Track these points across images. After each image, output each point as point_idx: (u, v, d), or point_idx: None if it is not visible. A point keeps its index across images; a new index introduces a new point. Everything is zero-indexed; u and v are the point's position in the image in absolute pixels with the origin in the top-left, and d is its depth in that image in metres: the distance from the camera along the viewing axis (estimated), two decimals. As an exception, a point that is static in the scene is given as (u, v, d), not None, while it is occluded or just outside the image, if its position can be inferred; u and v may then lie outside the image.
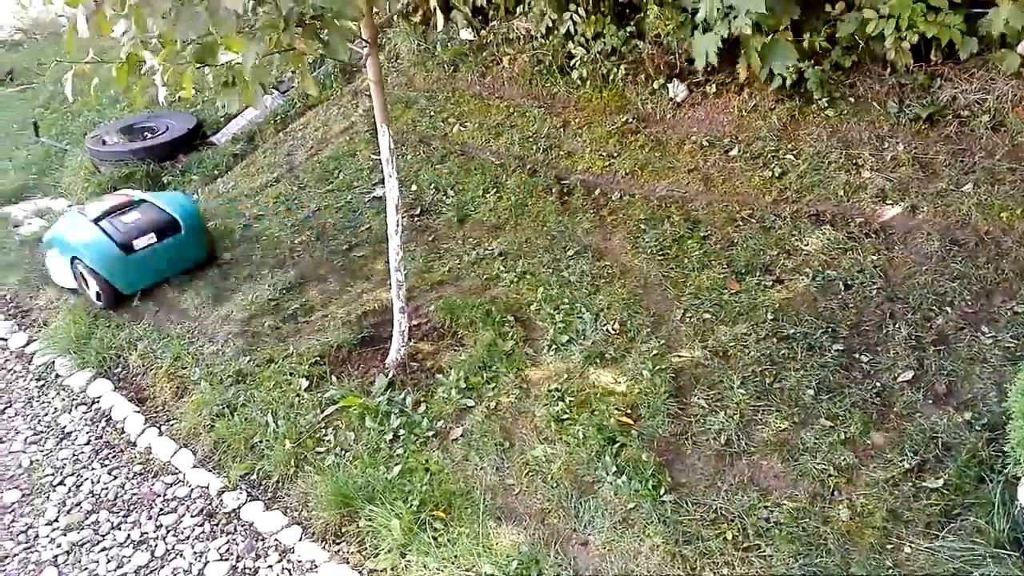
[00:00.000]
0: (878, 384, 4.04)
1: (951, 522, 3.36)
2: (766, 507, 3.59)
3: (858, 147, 5.24)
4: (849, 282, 4.60)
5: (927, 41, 5.05)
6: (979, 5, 4.80)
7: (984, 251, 4.52)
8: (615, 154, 6.03)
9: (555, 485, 3.87)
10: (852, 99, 5.41)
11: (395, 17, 7.45)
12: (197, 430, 4.71)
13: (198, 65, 3.07)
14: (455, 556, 3.58)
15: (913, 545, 3.33)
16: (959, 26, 4.85)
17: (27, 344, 5.90)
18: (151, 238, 5.77)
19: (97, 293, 5.80)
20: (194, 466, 4.54)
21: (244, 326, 5.38)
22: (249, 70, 3.00)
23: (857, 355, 4.21)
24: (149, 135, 8.20)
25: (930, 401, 3.90)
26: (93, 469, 4.66)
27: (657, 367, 4.36)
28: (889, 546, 3.36)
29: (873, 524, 3.43)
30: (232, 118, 8.41)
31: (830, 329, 4.36)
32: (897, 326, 4.29)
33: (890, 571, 3.25)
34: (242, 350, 5.14)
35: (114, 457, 4.73)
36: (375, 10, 3.98)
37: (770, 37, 5.31)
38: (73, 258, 5.81)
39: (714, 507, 3.64)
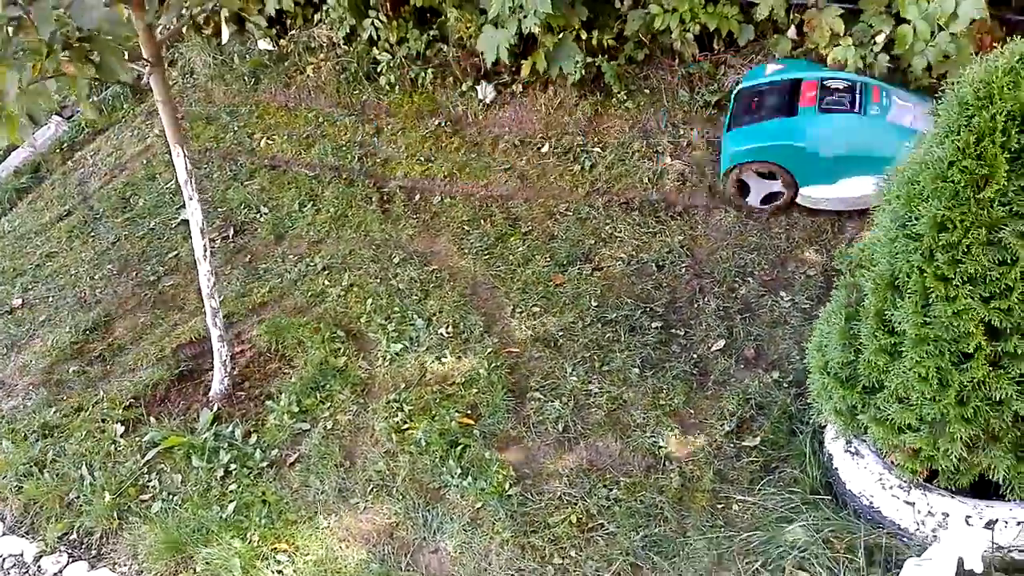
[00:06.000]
0: (695, 355, 4.29)
1: (770, 475, 3.63)
2: (605, 486, 3.73)
3: (657, 135, 5.54)
4: (660, 263, 4.85)
5: (709, 33, 5.42)
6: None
7: (776, 222, 4.91)
8: (432, 158, 6.03)
9: (401, 497, 3.82)
10: (648, 90, 5.71)
11: (185, 30, 7.05)
12: (3, 494, 4.26)
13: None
14: (303, 586, 3.45)
15: (740, 502, 3.56)
16: (736, 16, 5.23)
17: None
18: None
19: None
20: (3, 534, 4.11)
21: (46, 375, 4.91)
22: (12, 102, 2.71)
23: (674, 330, 4.46)
24: (-87, 175, 7.31)
25: (742, 365, 4.19)
26: None
27: (493, 364, 4.40)
28: (719, 505, 3.58)
29: (703, 488, 3.65)
30: (12, 150, 7.66)
31: (648, 309, 4.59)
32: (706, 299, 4.58)
33: (722, 530, 3.46)
34: (46, 401, 4.70)
35: (-97, 539, 4.18)
36: (154, 26, 3.73)
37: (560, 36, 5.48)
38: None
39: (558, 493, 3.73)
